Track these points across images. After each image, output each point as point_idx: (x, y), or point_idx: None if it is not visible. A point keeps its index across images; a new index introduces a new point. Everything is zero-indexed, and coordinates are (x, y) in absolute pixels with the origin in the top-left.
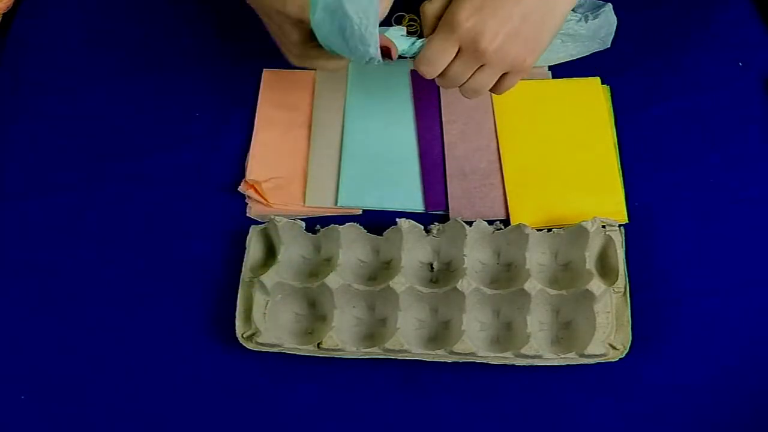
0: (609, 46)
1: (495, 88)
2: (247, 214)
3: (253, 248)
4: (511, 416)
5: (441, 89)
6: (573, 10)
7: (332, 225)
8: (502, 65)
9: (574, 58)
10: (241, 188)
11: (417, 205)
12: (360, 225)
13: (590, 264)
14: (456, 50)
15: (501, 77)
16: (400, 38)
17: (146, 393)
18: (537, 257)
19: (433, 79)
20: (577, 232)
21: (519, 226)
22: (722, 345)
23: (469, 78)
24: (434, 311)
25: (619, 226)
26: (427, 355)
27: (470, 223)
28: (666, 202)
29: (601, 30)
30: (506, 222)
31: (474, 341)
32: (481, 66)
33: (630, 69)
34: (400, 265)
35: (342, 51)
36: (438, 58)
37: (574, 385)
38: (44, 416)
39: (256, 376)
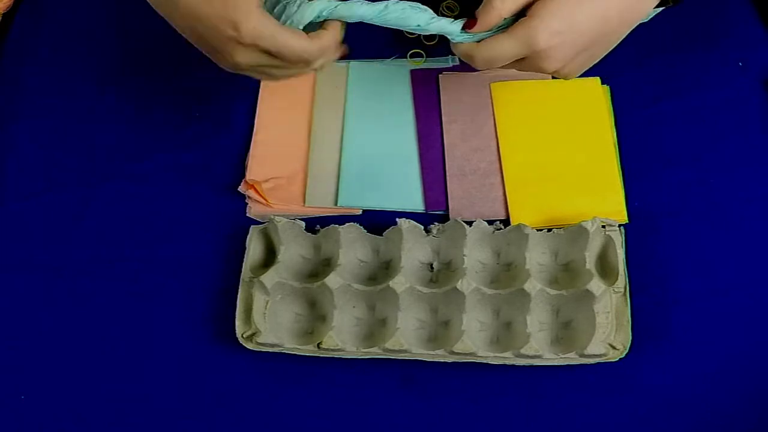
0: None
1: None
2: (247, 214)
3: (253, 248)
4: (511, 416)
5: (441, 89)
6: None
7: (332, 225)
8: (555, 75)
9: None
10: (241, 188)
11: (417, 205)
12: (360, 225)
13: (590, 264)
14: (519, 57)
15: None
16: (440, 27)
17: (146, 393)
18: (537, 257)
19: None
20: (577, 232)
21: (519, 226)
22: (722, 345)
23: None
24: (434, 311)
25: (619, 226)
26: (427, 355)
27: (470, 223)
28: (666, 202)
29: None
30: (506, 222)
31: (474, 341)
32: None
33: (630, 69)
34: (400, 265)
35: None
36: (500, 59)
37: (574, 385)
38: (44, 416)
39: (256, 376)
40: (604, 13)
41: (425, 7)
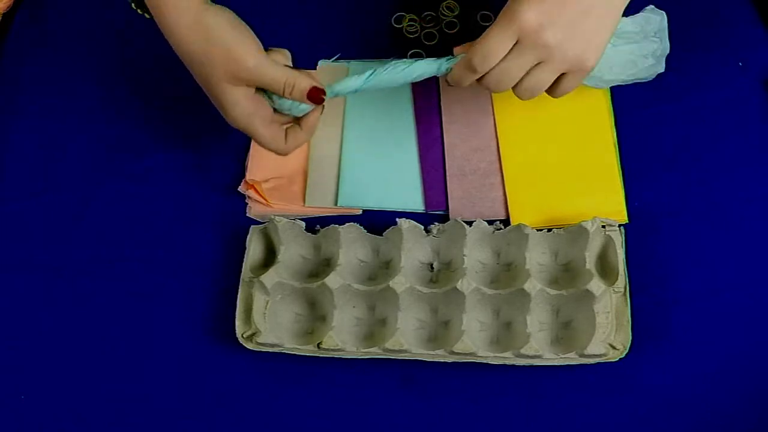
0: (668, 49)
1: (553, 90)
2: (247, 214)
3: (253, 248)
4: (511, 416)
5: (441, 89)
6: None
7: (332, 225)
8: (563, 62)
9: (637, 78)
10: (241, 188)
11: (417, 205)
12: (360, 225)
13: (590, 264)
14: (513, 43)
15: (559, 78)
16: (427, 63)
17: (146, 393)
18: (537, 257)
19: (479, 83)
20: (577, 232)
21: (519, 226)
22: (722, 345)
23: (525, 76)
24: (434, 311)
25: (619, 226)
26: (426, 355)
27: (470, 223)
28: (666, 202)
29: (649, 25)
30: (506, 222)
31: (474, 341)
32: (539, 63)
33: None
34: (400, 265)
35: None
36: (494, 50)
37: (574, 385)
38: (44, 416)
39: (256, 376)
40: None
41: (404, 59)
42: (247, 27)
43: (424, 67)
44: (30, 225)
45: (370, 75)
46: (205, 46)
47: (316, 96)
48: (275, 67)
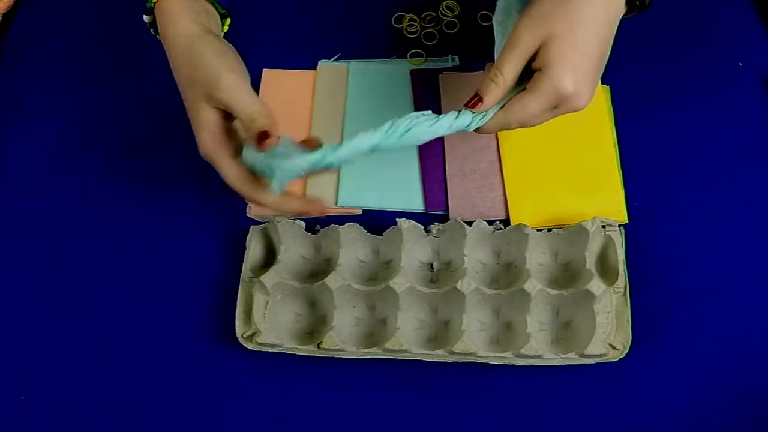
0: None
1: None
2: (247, 214)
3: (253, 248)
4: (511, 416)
5: (441, 89)
6: None
7: (332, 225)
8: (571, 109)
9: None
10: None
11: (417, 205)
12: (360, 225)
13: (590, 264)
14: (551, 108)
15: None
16: (451, 119)
17: (146, 393)
18: (537, 257)
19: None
20: (577, 232)
21: (519, 226)
22: (722, 345)
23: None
24: (434, 311)
25: (619, 226)
26: (426, 355)
27: (470, 223)
28: (666, 202)
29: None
30: (506, 222)
31: (474, 341)
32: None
33: (630, 69)
34: (400, 265)
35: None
36: (536, 119)
37: (574, 385)
38: (44, 416)
39: (256, 376)
40: (597, 29)
41: (427, 112)
42: (237, 61)
43: (447, 129)
44: (30, 225)
45: (389, 129)
46: (191, 71)
47: (262, 140)
48: (250, 96)
